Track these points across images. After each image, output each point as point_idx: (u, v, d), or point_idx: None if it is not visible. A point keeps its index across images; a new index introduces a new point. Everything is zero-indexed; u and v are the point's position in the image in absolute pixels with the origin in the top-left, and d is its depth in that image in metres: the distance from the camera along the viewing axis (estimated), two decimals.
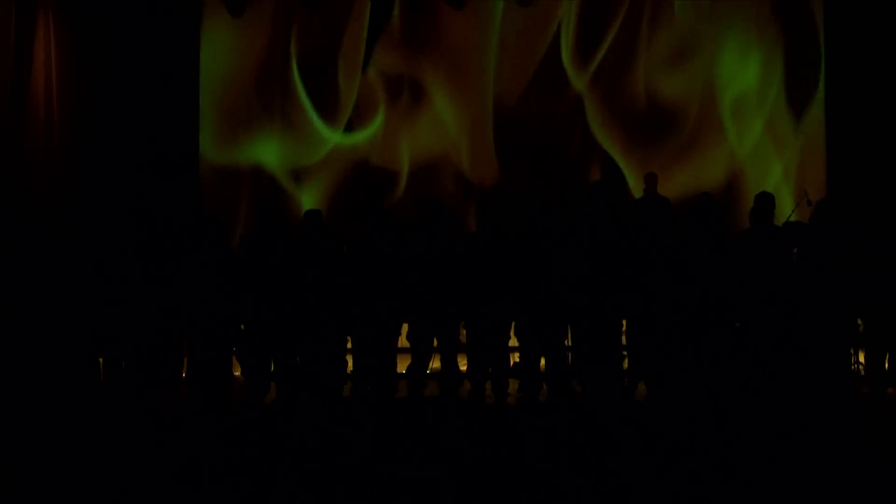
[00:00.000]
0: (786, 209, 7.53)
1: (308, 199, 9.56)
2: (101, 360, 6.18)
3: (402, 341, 6.20)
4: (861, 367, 6.19)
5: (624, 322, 6.12)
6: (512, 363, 6.46)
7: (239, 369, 6.28)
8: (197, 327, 6.01)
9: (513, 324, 6.11)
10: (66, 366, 6.15)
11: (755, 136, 9.64)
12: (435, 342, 6.18)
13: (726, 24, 9.54)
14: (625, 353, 6.21)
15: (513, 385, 6.23)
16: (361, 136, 9.62)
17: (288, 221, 6.37)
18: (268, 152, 9.75)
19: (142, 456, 4.88)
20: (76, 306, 6.02)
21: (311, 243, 6.09)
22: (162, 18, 9.40)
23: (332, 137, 9.59)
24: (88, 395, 6.07)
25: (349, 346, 6.29)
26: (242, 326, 6.11)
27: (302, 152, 9.60)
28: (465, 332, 6.30)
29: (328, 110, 9.59)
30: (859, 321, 6.08)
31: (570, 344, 6.31)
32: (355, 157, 9.57)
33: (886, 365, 6.03)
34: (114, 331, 6.03)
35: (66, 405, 5.94)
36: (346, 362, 6.28)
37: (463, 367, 6.29)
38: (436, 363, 6.35)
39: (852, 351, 6.06)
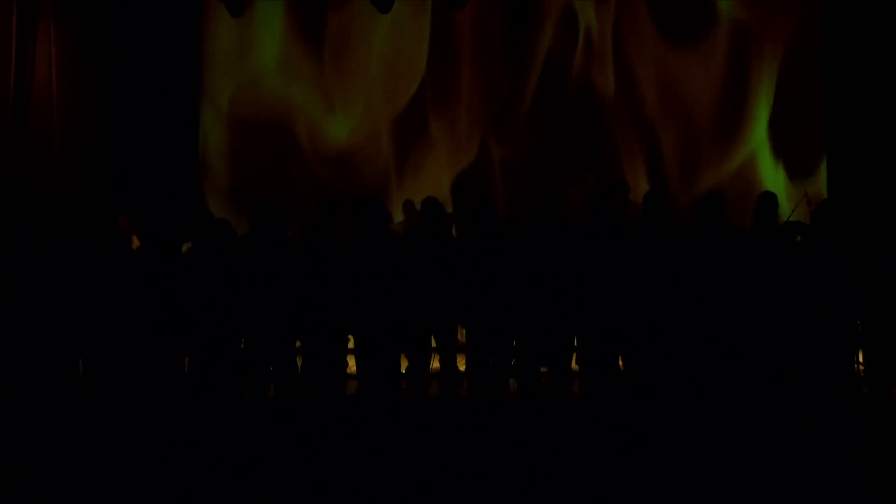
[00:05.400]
0: (786, 209, 7.55)
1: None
2: (102, 359, 6.18)
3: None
4: (861, 367, 6.19)
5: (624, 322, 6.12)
6: (512, 363, 6.45)
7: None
8: (198, 327, 6.00)
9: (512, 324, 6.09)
10: (66, 364, 6.17)
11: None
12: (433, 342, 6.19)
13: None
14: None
15: (512, 385, 6.23)
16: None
17: (287, 220, 6.35)
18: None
19: (142, 456, 4.88)
20: (79, 305, 6.02)
21: (313, 242, 6.09)
22: (162, 18, 9.43)
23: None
24: (90, 395, 6.07)
25: (350, 346, 6.30)
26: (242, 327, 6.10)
27: None
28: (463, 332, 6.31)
29: None
30: (858, 322, 6.06)
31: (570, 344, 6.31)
32: None
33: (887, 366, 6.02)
34: (115, 329, 6.03)
35: (68, 404, 5.95)
36: (347, 362, 6.28)
37: (463, 367, 6.28)
38: (435, 363, 6.34)
39: (853, 351, 6.07)
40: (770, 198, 6.12)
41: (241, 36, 9.89)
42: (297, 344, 6.22)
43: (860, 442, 5.07)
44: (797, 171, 9.57)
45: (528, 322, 5.99)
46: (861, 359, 6.19)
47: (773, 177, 9.56)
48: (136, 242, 7.15)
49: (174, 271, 6.03)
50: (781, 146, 9.65)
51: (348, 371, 6.30)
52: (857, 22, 9.20)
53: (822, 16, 9.53)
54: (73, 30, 8.82)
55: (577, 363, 6.16)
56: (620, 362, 6.07)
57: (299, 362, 6.21)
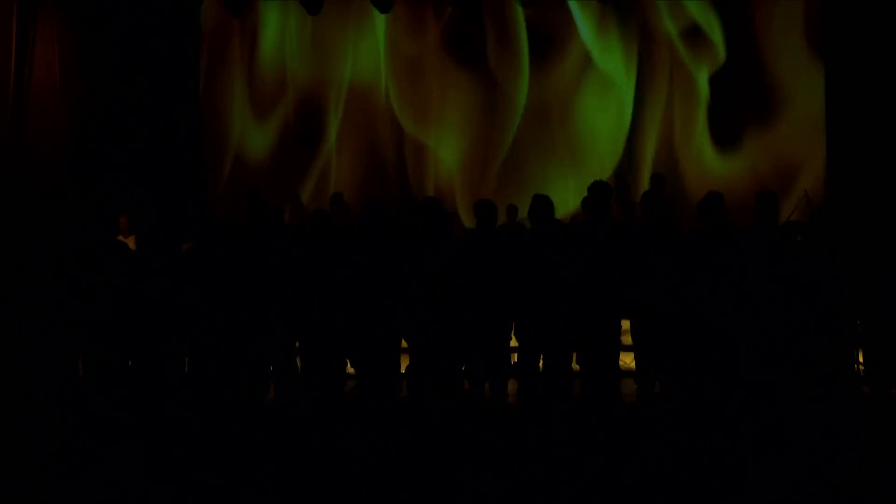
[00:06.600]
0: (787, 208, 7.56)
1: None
2: (102, 359, 6.18)
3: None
4: (861, 367, 6.19)
5: (626, 322, 6.12)
6: (512, 363, 6.45)
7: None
8: (198, 326, 6.00)
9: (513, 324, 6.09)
10: (66, 364, 6.17)
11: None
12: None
13: None
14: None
15: (512, 385, 6.22)
16: None
17: (285, 220, 6.35)
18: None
19: (142, 456, 4.89)
20: (78, 305, 6.02)
21: (313, 241, 6.09)
22: (162, 16, 9.43)
23: None
24: (90, 394, 6.07)
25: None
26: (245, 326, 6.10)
27: None
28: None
29: None
30: (859, 322, 6.06)
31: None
32: None
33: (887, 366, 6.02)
34: (115, 329, 6.03)
35: (68, 404, 5.95)
36: (346, 362, 6.28)
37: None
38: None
39: (853, 351, 6.07)
40: (770, 198, 6.11)
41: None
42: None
43: (860, 442, 5.08)
44: None
45: (528, 322, 5.99)
46: (861, 359, 6.19)
47: None
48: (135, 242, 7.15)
49: (174, 271, 6.03)
50: None
51: (348, 371, 6.31)
52: (859, 23, 9.22)
53: (823, 15, 9.57)
54: (73, 29, 8.82)
55: (576, 363, 6.15)
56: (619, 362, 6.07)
57: (299, 362, 6.21)
